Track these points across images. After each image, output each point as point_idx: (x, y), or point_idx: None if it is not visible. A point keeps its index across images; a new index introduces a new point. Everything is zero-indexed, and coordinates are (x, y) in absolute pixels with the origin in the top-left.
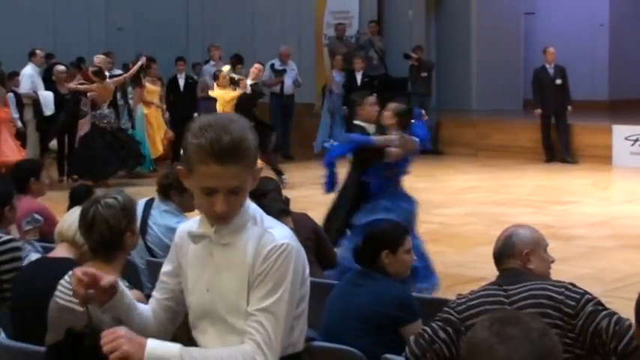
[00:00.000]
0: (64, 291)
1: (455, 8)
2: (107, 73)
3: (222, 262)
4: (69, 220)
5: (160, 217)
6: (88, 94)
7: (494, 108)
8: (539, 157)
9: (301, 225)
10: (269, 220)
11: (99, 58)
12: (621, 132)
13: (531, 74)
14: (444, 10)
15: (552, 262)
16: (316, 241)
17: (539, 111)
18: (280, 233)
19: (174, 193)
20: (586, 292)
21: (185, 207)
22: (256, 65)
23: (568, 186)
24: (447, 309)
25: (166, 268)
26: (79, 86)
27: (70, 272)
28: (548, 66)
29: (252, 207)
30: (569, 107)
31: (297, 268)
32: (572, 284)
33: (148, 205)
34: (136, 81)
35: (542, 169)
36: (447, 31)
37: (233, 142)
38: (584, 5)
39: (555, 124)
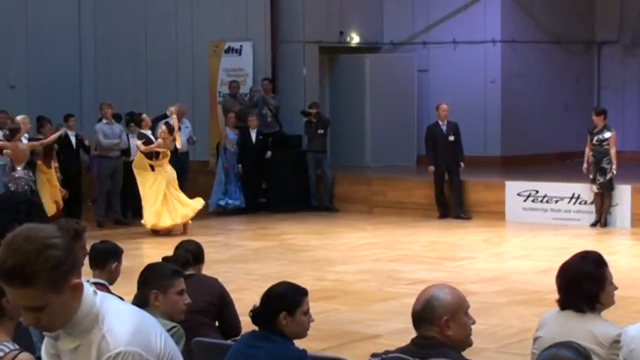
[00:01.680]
0: None
1: (349, 65)
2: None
3: None
4: None
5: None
6: (4, 151)
7: (389, 164)
8: (433, 213)
9: (207, 288)
10: (111, 319)
11: (20, 118)
12: (514, 188)
13: (424, 131)
14: (338, 68)
15: (473, 323)
16: (220, 307)
17: (432, 168)
18: (116, 339)
19: None
20: None
21: None
22: (163, 128)
23: (462, 242)
24: None
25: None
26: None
27: None
28: (441, 122)
29: (97, 305)
30: (462, 163)
31: None
32: None
33: None
34: (47, 149)
35: (436, 226)
36: (341, 88)
37: (15, 266)
38: (476, 62)
39: (449, 180)
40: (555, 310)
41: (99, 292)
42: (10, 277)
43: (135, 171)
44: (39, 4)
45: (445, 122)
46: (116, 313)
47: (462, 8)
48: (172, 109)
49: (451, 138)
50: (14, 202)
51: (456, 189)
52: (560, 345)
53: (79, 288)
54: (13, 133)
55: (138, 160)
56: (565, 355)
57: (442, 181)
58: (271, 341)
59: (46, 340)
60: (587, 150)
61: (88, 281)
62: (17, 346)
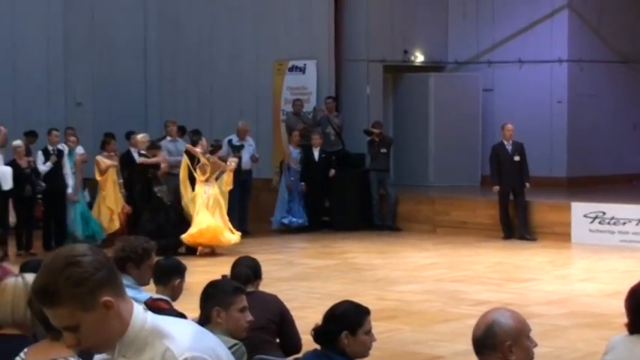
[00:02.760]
0: None
1: (412, 84)
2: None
3: None
4: (7, 305)
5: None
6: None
7: (452, 184)
8: (498, 234)
9: (267, 306)
10: (169, 331)
11: (140, 137)
12: (580, 209)
13: (489, 151)
14: (402, 86)
15: (535, 346)
16: (281, 324)
17: (497, 188)
18: (179, 347)
19: (132, 266)
20: None
21: (142, 280)
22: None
23: (526, 263)
24: None
25: None
26: (147, 160)
27: (25, 349)
28: (506, 142)
29: (149, 322)
30: (527, 184)
31: None
32: None
33: None
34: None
35: (500, 247)
36: (405, 107)
37: (40, 286)
38: (543, 82)
39: (513, 200)
40: (624, 334)
41: (149, 311)
42: (39, 298)
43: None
44: (105, 23)
45: (510, 142)
46: (173, 326)
47: (528, 27)
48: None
49: (516, 158)
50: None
51: (521, 210)
52: None
53: (110, 306)
54: (154, 147)
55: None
56: None
57: (507, 202)
58: None
59: None
60: None
61: (150, 297)
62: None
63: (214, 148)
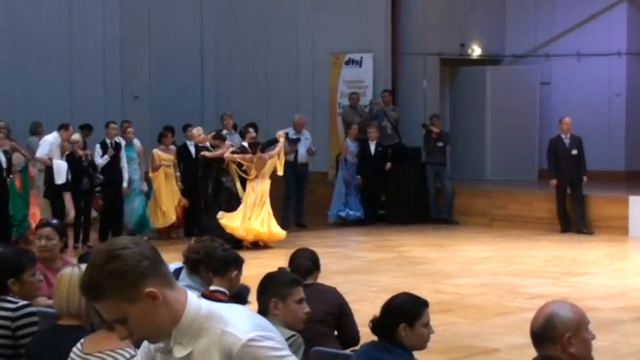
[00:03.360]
0: (76, 358)
1: (469, 78)
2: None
3: None
4: (63, 295)
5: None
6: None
7: (509, 178)
8: (554, 227)
9: (326, 298)
10: (226, 315)
11: (197, 131)
12: (638, 203)
13: (546, 144)
14: (458, 80)
15: (593, 338)
16: (339, 317)
17: (554, 182)
18: (240, 329)
19: (203, 269)
20: None
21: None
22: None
23: (583, 257)
24: None
25: None
26: (207, 153)
27: (82, 340)
28: (563, 136)
29: (204, 309)
30: (585, 178)
31: (273, 344)
32: None
33: (175, 273)
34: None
35: (557, 240)
36: (462, 101)
37: (85, 281)
38: (601, 75)
39: (571, 194)
40: None
41: (202, 298)
42: (85, 293)
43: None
44: (162, 17)
45: (568, 136)
46: (229, 311)
47: (587, 20)
48: (280, 132)
49: (574, 152)
50: None
51: (579, 203)
52: None
53: (155, 296)
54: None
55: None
56: None
57: (564, 195)
58: (390, 352)
59: (140, 350)
60: None
61: (208, 289)
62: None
63: (253, 145)
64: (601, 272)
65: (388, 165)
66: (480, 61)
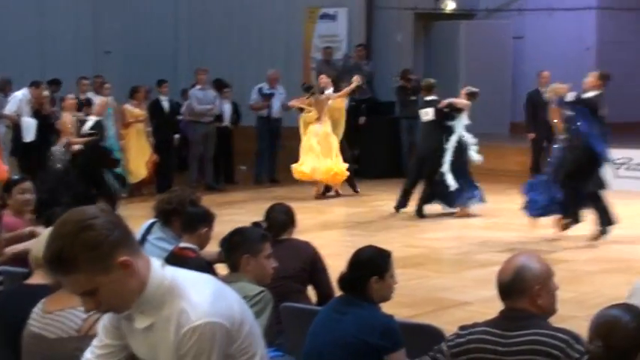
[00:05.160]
0: (37, 319)
1: (443, 32)
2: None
3: (153, 341)
4: (41, 244)
5: (152, 245)
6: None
7: (482, 131)
8: (526, 180)
9: (299, 254)
10: (187, 290)
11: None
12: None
13: (519, 99)
14: (433, 35)
15: (556, 290)
16: (312, 272)
17: (532, 135)
18: (197, 310)
19: (176, 220)
20: (586, 352)
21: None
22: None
23: None
24: (440, 346)
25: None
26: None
27: (43, 300)
28: (542, 90)
29: (168, 278)
30: None
31: (219, 342)
32: (575, 338)
33: (148, 229)
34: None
35: None
36: (436, 55)
37: (54, 254)
38: (571, 29)
39: (547, 148)
40: None
41: (167, 265)
42: (53, 266)
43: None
44: None
45: (546, 89)
46: (191, 283)
47: None
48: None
49: (552, 106)
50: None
51: None
52: (613, 305)
53: (128, 265)
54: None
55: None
56: (613, 313)
57: (540, 149)
58: (359, 307)
59: (106, 316)
60: None
61: (177, 246)
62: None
63: (307, 89)
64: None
65: (362, 119)
66: (454, 16)
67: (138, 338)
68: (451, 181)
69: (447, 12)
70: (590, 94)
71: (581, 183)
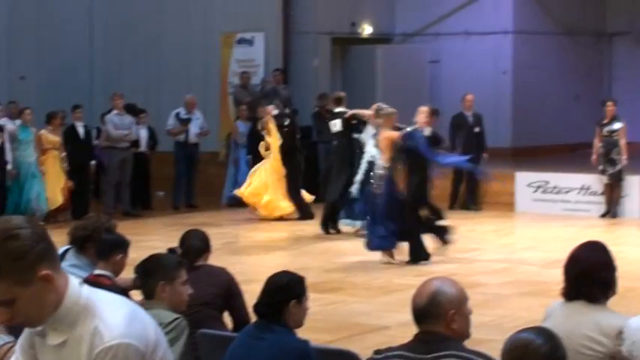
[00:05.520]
0: None
1: (360, 56)
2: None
3: (64, 358)
4: None
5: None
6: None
7: None
8: (442, 204)
9: (214, 279)
10: (103, 309)
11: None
12: (524, 179)
13: (437, 122)
14: (350, 59)
15: (470, 314)
16: (228, 298)
17: None
18: (111, 331)
19: (91, 247)
20: None
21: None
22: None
23: (471, 233)
24: None
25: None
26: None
27: None
28: (466, 113)
29: (84, 297)
30: (486, 155)
31: None
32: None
33: (62, 256)
34: None
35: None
36: (353, 79)
37: None
38: (488, 53)
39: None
40: (562, 300)
41: (85, 284)
42: None
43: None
44: None
45: (471, 113)
46: (107, 304)
47: None
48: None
49: (476, 129)
50: None
51: (475, 181)
52: (525, 329)
53: (49, 279)
54: None
55: None
56: (525, 337)
57: (462, 172)
58: (275, 332)
59: (23, 335)
60: (595, 142)
61: (92, 273)
62: (13, 338)
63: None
64: (488, 248)
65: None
66: (371, 40)
67: (49, 355)
68: (356, 195)
69: (364, 36)
70: (426, 131)
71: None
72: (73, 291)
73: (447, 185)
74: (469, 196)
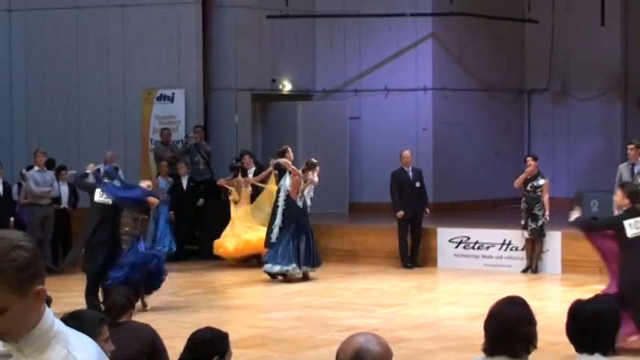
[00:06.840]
0: None
1: (281, 113)
2: None
3: None
4: None
5: None
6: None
7: (321, 211)
8: (373, 261)
9: (138, 335)
10: (75, 340)
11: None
12: (446, 234)
13: (357, 178)
14: (270, 115)
15: None
16: (152, 355)
17: (401, 213)
18: (84, 356)
19: None
20: None
21: None
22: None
23: (393, 289)
24: None
25: None
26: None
27: None
28: (406, 169)
29: (56, 324)
30: (427, 210)
31: None
32: None
33: None
34: None
35: (370, 272)
36: (273, 136)
37: None
38: (408, 110)
39: (411, 228)
40: (482, 355)
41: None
42: None
43: None
44: None
45: (410, 168)
46: (77, 338)
47: (394, 56)
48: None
49: (417, 184)
50: None
51: (417, 237)
52: None
53: (42, 295)
54: None
55: None
56: None
57: (407, 228)
58: None
59: None
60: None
61: None
62: None
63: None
64: (411, 303)
65: (200, 201)
66: (291, 97)
67: None
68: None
69: (284, 93)
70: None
71: None
72: (49, 316)
73: (363, 241)
74: (415, 253)
